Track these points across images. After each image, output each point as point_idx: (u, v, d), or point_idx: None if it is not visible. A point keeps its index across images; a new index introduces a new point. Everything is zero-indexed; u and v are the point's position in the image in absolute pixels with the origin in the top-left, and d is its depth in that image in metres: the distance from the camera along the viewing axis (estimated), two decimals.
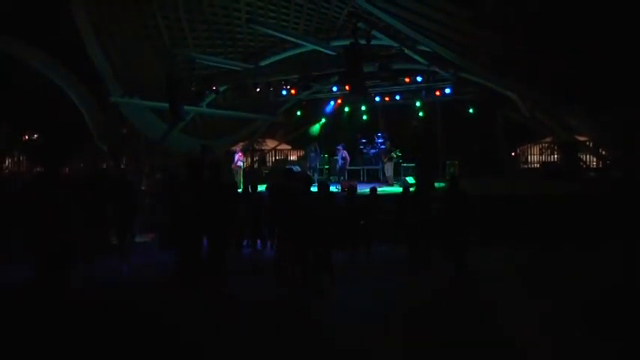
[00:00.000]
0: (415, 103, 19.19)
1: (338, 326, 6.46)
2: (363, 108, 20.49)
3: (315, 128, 22.01)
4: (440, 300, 7.64)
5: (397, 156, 17.48)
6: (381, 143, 18.13)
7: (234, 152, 17.90)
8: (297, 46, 15.28)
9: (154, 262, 10.26)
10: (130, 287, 8.37)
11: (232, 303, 7.45)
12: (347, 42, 12.05)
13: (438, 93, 17.79)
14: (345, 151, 17.59)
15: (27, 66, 15.16)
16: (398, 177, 17.21)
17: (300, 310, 7.29)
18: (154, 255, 11.12)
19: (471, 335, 6.06)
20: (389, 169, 17.15)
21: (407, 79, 16.05)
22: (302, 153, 23.14)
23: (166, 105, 14.43)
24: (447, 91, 17.33)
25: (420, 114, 19.86)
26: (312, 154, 17.63)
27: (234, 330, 6.38)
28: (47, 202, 7.51)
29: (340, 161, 17.62)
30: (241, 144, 21.92)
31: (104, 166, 17.78)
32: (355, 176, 18.51)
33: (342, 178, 17.25)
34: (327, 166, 19.65)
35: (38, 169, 19.84)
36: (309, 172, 16.55)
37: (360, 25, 11.57)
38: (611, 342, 5.80)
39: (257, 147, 25.05)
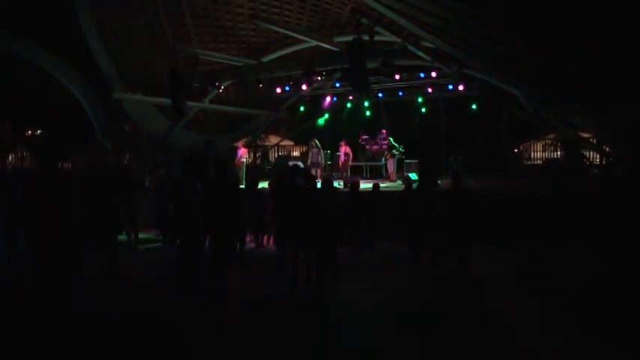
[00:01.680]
0: (418, 99, 19.16)
1: (341, 322, 6.46)
2: (366, 104, 20.45)
3: (320, 122, 21.96)
4: (442, 297, 7.66)
5: (400, 152, 17.46)
6: (384, 139, 18.11)
7: (237, 148, 17.90)
8: (301, 42, 15.25)
9: (157, 258, 10.31)
10: (131, 284, 8.37)
11: (234, 300, 7.46)
12: (350, 38, 12.03)
13: (441, 89, 17.78)
14: (347, 147, 17.56)
15: (28, 63, 15.17)
16: (401, 173, 17.19)
17: (303, 307, 7.30)
18: (158, 250, 11.18)
19: (471, 334, 6.07)
20: (391, 165, 17.13)
21: (410, 76, 16.03)
22: (305, 149, 23.14)
23: (169, 101, 14.43)
24: (451, 87, 17.31)
25: (423, 110, 19.85)
26: (315, 150, 17.61)
27: (235, 328, 6.40)
28: (48, 199, 7.47)
29: (343, 157, 17.59)
30: (244, 140, 21.93)
31: (107, 162, 17.80)
32: (358, 172, 18.48)
33: (344, 174, 17.22)
34: (329, 162, 19.63)
35: (36, 165, 19.93)
36: (312, 169, 16.55)
37: (363, 20, 11.55)
38: (610, 342, 5.80)
39: (260, 143, 25.07)
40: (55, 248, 7.27)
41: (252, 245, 11.33)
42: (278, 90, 17.39)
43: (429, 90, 18.09)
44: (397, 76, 15.38)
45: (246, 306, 7.23)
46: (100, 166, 15.04)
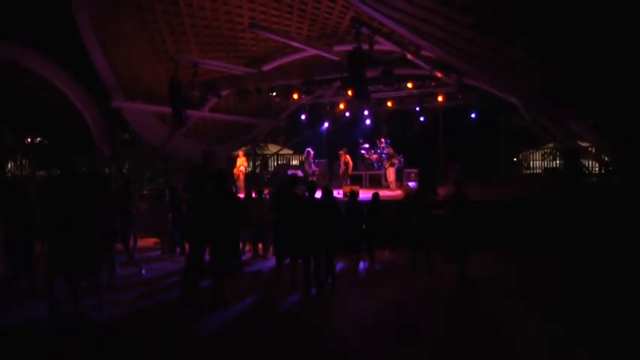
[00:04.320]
0: (417, 107, 19.21)
1: (339, 332, 6.43)
2: (366, 113, 20.48)
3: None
4: (441, 305, 7.64)
5: (399, 161, 17.47)
6: (384, 148, 18.13)
7: (237, 157, 17.92)
8: (300, 51, 15.28)
9: (157, 268, 10.29)
10: (129, 293, 8.33)
11: (233, 309, 7.43)
12: (350, 47, 12.05)
13: (440, 98, 17.83)
14: (347, 156, 17.59)
15: (28, 70, 15.17)
16: (400, 182, 17.20)
17: (302, 315, 7.28)
18: (156, 259, 11.17)
19: (468, 345, 6.05)
20: (391, 174, 17.13)
21: (410, 85, 16.05)
22: (303, 158, 23.20)
23: (168, 109, 14.44)
24: (450, 96, 17.35)
25: (422, 119, 19.89)
26: (310, 159, 17.68)
27: (233, 336, 6.38)
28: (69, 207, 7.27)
29: (342, 166, 17.61)
30: (243, 148, 21.93)
31: (106, 170, 17.78)
32: (357, 181, 18.48)
33: (344, 183, 17.23)
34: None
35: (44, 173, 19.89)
36: (310, 178, 16.59)
37: (362, 30, 11.55)
38: (603, 344, 5.84)
39: (259, 152, 25.10)
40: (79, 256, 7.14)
41: (250, 255, 11.32)
42: (277, 99, 17.41)
43: (429, 98, 18.14)
44: (396, 86, 15.40)
45: (245, 315, 7.21)
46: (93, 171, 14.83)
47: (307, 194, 8.55)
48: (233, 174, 16.47)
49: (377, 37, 11.60)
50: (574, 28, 7.45)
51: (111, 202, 8.52)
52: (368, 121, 20.73)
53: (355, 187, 14.85)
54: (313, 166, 17.45)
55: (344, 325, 6.68)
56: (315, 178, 16.53)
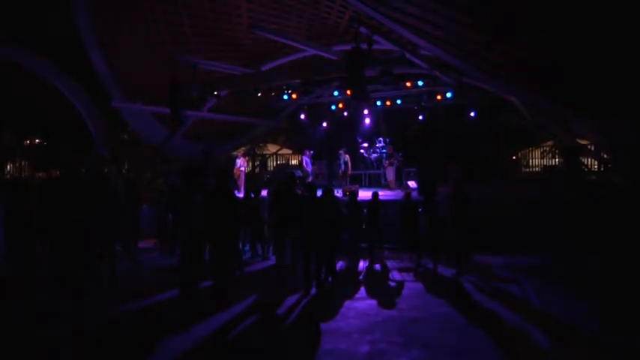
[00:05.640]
0: (416, 107, 19.20)
1: (340, 332, 6.44)
2: (365, 112, 20.48)
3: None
4: (441, 306, 7.65)
5: (399, 160, 17.47)
6: (383, 147, 18.12)
7: (236, 157, 17.94)
8: (299, 51, 15.27)
9: (156, 268, 10.31)
10: (130, 291, 8.34)
11: (233, 308, 7.44)
12: (349, 46, 12.05)
13: (439, 97, 17.82)
14: (347, 156, 17.59)
15: (28, 71, 15.18)
16: (399, 182, 17.20)
17: (302, 313, 7.28)
18: (156, 260, 11.19)
19: (468, 342, 6.06)
20: (391, 173, 17.13)
21: (408, 84, 16.05)
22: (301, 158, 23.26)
23: (168, 110, 14.44)
24: (449, 95, 17.36)
25: (422, 118, 19.89)
26: (307, 159, 17.67)
27: (234, 335, 6.38)
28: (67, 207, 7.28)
29: (342, 166, 17.63)
30: (243, 148, 21.93)
31: (105, 170, 17.78)
32: (357, 181, 18.49)
33: (344, 182, 17.24)
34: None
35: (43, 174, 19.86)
36: (309, 178, 16.64)
37: (361, 29, 11.55)
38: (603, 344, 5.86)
39: (258, 151, 25.10)
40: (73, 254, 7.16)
41: (250, 255, 11.32)
42: (276, 99, 17.40)
43: (428, 98, 18.14)
44: (395, 85, 15.39)
45: (245, 315, 7.21)
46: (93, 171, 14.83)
47: (308, 194, 8.56)
48: (233, 174, 16.49)
49: (376, 37, 11.61)
50: (574, 28, 7.45)
51: (111, 203, 8.54)
52: (367, 121, 20.72)
53: (355, 187, 14.87)
54: (310, 165, 17.49)
55: (344, 325, 6.68)
56: (310, 178, 16.58)
